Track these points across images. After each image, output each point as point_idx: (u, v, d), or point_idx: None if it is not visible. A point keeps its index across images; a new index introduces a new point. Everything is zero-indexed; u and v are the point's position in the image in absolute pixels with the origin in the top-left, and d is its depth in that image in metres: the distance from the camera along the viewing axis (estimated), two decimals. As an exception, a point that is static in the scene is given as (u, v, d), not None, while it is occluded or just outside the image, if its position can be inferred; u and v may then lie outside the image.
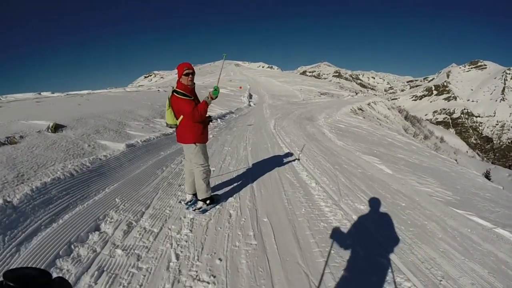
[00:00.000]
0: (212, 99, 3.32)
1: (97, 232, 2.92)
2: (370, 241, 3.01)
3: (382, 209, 3.88)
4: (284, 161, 5.98)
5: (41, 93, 15.84)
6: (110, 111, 8.14)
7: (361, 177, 5.39)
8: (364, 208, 3.86)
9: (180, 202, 3.73)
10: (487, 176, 21.19)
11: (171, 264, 2.50)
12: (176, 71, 3.35)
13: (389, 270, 2.55)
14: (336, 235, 3.08)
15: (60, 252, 2.53)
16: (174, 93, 3.19)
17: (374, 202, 4.05)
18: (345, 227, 3.29)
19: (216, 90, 3.32)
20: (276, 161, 5.97)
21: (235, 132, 9.56)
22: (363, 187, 4.78)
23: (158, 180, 4.53)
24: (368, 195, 4.35)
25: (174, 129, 3.44)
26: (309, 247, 2.83)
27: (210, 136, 8.46)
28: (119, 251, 2.64)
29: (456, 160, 17.33)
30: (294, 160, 6.08)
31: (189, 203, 3.65)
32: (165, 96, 2.99)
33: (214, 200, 3.68)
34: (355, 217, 3.53)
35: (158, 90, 18.00)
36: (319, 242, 2.91)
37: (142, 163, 5.19)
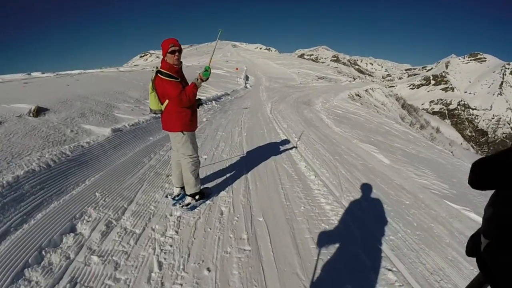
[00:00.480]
0: (202, 81, 2.92)
1: (72, 234, 2.57)
2: (376, 249, 2.71)
3: (387, 208, 3.59)
4: (281, 149, 5.65)
5: (31, 73, 15.13)
6: (99, 92, 7.65)
7: (362, 169, 5.08)
8: (368, 207, 3.58)
9: (166, 196, 3.39)
10: None
11: (153, 275, 2.18)
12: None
13: (399, 285, 2.27)
14: (338, 240, 2.78)
15: (30, 260, 2.19)
16: (158, 74, 2.78)
17: (378, 201, 3.76)
18: (348, 230, 2.98)
19: (207, 71, 2.92)
20: (273, 149, 5.63)
21: (230, 115, 9.15)
22: (364, 180, 4.49)
23: (145, 169, 4.17)
24: (371, 191, 4.06)
25: (159, 115, 3.05)
26: (309, 254, 2.53)
27: (203, 119, 8.07)
28: (95, 258, 2.31)
29: (452, 152, 17.21)
30: (291, 148, 5.75)
31: (176, 198, 3.31)
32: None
33: (204, 195, 3.34)
34: (358, 218, 3.23)
35: (152, 70, 17.22)
36: (320, 248, 2.61)
37: (128, 150, 4.81)
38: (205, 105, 10.40)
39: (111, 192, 3.40)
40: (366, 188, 4.13)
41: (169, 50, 2.78)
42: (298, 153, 5.50)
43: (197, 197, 3.20)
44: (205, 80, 2.94)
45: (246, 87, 19.47)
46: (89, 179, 3.63)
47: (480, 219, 3.51)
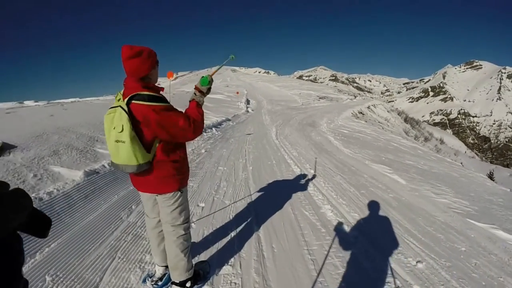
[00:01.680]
0: (203, 93, 2.02)
1: None
2: None
3: (453, 272, 2.49)
4: (296, 187, 4.60)
5: (24, 102, 14.50)
6: (84, 123, 6.73)
7: (398, 207, 4.03)
8: (427, 270, 2.48)
9: (145, 280, 2.30)
10: (490, 177, 20.19)
11: None
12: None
13: None
14: None
15: None
16: (140, 102, 1.72)
17: (436, 258, 2.67)
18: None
19: (205, 78, 2.00)
20: (286, 187, 4.59)
21: (232, 144, 8.17)
22: (405, 223, 3.45)
23: (120, 230, 3.09)
24: (419, 241, 2.99)
25: (134, 171, 1.82)
26: None
27: (202, 151, 7.07)
28: None
29: (461, 163, 16.22)
30: (308, 184, 4.70)
31: (159, 284, 2.24)
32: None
33: (199, 277, 2.27)
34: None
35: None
36: None
37: (103, 200, 3.75)
38: (204, 134, 9.46)
39: (68, 274, 2.33)
40: (412, 236, 3.03)
41: (157, 60, 1.88)
42: (317, 190, 4.45)
43: (188, 284, 2.13)
44: (206, 92, 2.03)
45: (248, 111, 18.69)
46: (41, 252, 2.58)
47: (508, 236, 3.21)
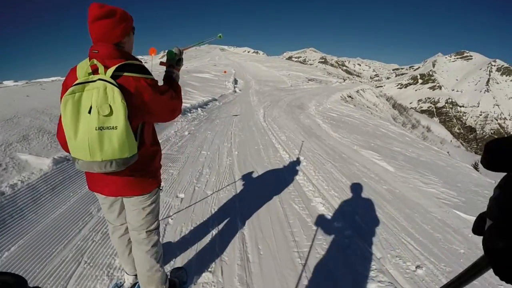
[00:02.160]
0: (174, 68, 1.63)
1: None
2: None
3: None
4: (285, 176, 4.28)
5: (3, 82, 13.91)
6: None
7: (392, 200, 3.80)
8: (427, 277, 2.23)
9: (110, 290, 1.95)
10: (475, 167, 20.77)
11: None
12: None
13: None
14: None
15: None
16: (135, 75, 1.32)
17: (436, 262, 2.42)
18: None
19: (171, 50, 1.62)
20: (274, 176, 4.26)
21: (218, 125, 7.74)
22: (402, 220, 3.22)
23: (89, 228, 2.68)
24: (417, 242, 2.75)
25: (109, 168, 1.31)
26: None
27: (185, 133, 6.62)
28: None
29: (448, 152, 16.50)
30: (297, 173, 4.40)
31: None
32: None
33: (175, 287, 1.94)
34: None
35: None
36: None
37: (71, 191, 3.30)
38: (189, 114, 8.96)
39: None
40: (412, 239, 2.78)
41: (133, 26, 1.46)
42: (307, 180, 4.14)
43: (160, 297, 1.78)
44: (177, 66, 1.65)
45: (235, 91, 18.11)
46: (-2, 257, 2.18)
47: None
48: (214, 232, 2.67)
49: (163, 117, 1.48)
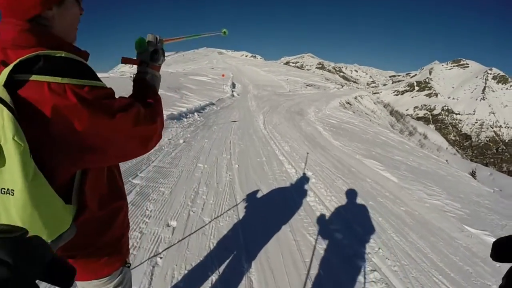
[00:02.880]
0: (147, 65, 0.98)
1: None
2: None
3: None
4: (294, 196, 3.76)
5: None
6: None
7: (414, 226, 3.35)
8: None
9: None
10: (473, 176, 20.63)
11: None
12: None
13: None
14: None
15: None
16: (44, 79, 0.63)
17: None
18: None
19: (142, 40, 0.97)
20: (281, 196, 3.73)
21: (215, 132, 7.19)
22: (428, 252, 2.77)
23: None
24: (449, 279, 2.27)
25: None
26: None
27: (180, 141, 6.05)
28: None
29: (447, 161, 16.32)
30: (307, 192, 3.88)
31: None
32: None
33: None
34: None
35: (131, 77, 15.27)
36: None
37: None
38: (185, 119, 8.41)
39: None
40: (441, 273, 2.29)
41: None
42: (319, 201, 3.62)
43: None
44: (154, 63, 1.00)
45: (233, 95, 17.59)
46: None
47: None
48: (214, 277, 2.11)
49: (124, 153, 0.83)
